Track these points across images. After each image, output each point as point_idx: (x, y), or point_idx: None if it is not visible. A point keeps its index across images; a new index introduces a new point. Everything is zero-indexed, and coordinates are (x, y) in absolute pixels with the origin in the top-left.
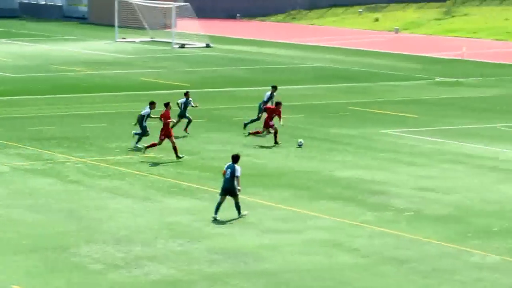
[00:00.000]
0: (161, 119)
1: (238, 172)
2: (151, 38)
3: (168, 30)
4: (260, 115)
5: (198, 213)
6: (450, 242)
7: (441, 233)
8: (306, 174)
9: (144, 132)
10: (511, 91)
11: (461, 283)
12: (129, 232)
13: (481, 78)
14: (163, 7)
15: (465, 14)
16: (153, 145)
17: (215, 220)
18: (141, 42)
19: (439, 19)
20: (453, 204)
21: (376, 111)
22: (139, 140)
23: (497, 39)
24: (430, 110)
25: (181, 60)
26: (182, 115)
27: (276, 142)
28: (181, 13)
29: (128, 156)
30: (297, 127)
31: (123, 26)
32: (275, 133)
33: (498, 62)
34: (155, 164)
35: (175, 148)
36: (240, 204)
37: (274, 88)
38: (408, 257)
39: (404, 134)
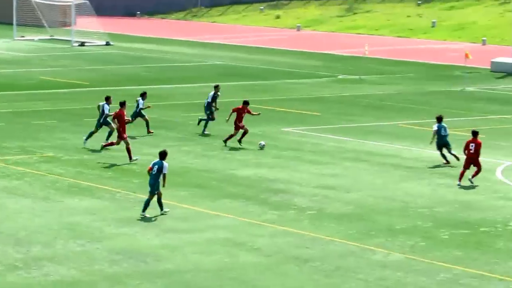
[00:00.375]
0: (114, 120)
1: (166, 169)
2: (50, 36)
3: (68, 28)
4: (212, 116)
5: (99, 213)
6: (352, 241)
7: (344, 231)
8: (207, 173)
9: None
10: (412, 88)
11: (364, 282)
12: (28, 232)
13: (382, 76)
14: (62, 5)
15: (367, 11)
16: (128, 150)
17: (144, 217)
18: (40, 40)
19: (341, 16)
20: (355, 202)
21: (278, 109)
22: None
23: (399, 36)
24: (332, 108)
25: (80, 58)
26: (142, 116)
27: (239, 140)
28: (81, 11)
29: (27, 156)
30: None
31: (22, 24)
32: (245, 133)
33: (400, 59)
34: (55, 164)
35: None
36: (149, 205)
37: (217, 87)
38: (311, 256)
39: (306, 132)
